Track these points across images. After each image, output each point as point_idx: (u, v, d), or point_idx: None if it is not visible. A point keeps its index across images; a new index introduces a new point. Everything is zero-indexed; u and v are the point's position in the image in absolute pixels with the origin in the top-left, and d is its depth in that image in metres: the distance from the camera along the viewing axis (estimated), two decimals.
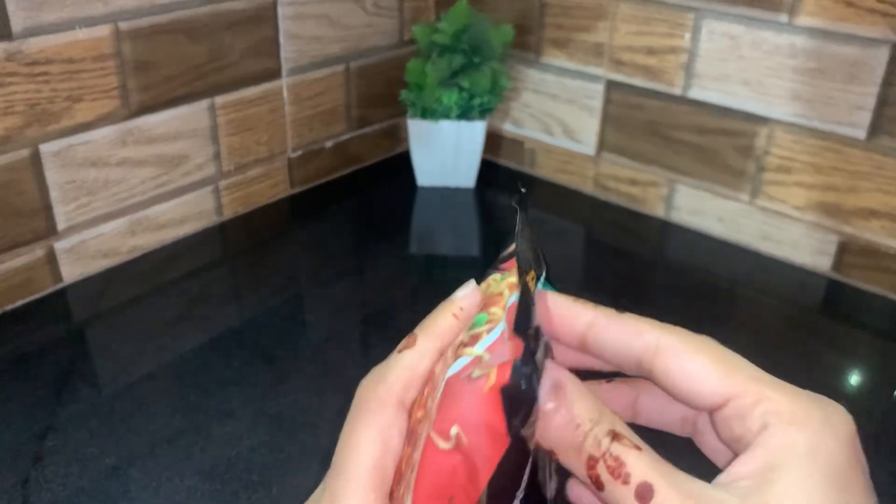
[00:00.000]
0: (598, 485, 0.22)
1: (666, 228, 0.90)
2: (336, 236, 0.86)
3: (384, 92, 0.97)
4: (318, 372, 0.64)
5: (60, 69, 0.67)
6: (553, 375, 0.23)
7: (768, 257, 0.84)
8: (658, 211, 0.91)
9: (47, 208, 0.70)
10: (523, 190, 0.29)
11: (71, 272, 0.73)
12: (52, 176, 0.69)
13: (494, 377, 0.22)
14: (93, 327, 0.70)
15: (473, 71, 0.87)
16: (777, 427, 0.22)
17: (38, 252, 0.70)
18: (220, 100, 0.80)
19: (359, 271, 0.80)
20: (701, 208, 0.87)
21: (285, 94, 0.86)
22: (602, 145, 0.93)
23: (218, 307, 0.74)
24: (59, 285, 0.73)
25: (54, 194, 0.70)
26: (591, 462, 0.22)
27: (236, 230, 0.85)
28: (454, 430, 0.22)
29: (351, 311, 0.73)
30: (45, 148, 0.68)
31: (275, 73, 0.84)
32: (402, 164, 0.98)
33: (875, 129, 0.73)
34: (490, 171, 0.99)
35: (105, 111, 0.71)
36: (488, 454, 0.22)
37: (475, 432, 0.22)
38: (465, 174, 0.94)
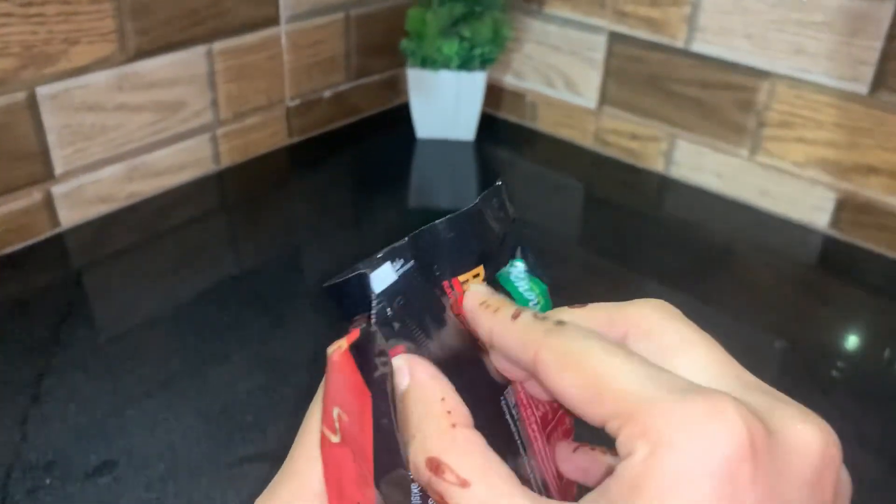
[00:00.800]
0: None
1: (665, 184, 0.89)
2: (334, 187, 0.86)
3: (384, 42, 0.96)
4: (315, 319, 0.65)
5: (56, 10, 0.66)
6: (402, 368, 0.21)
7: (766, 213, 0.84)
8: (657, 166, 0.90)
9: (44, 152, 0.70)
10: (499, 182, 0.27)
11: (69, 217, 0.74)
12: (49, 120, 0.69)
13: (346, 342, 0.21)
14: (91, 272, 0.71)
15: (475, 20, 0.86)
16: (638, 455, 0.17)
17: (35, 196, 0.70)
18: (218, 46, 0.79)
19: (356, 222, 0.80)
20: (700, 164, 0.87)
21: (284, 41, 0.85)
22: (603, 99, 0.92)
23: (216, 255, 0.74)
24: (57, 230, 0.73)
25: (51, 138, 0.70)
26: (426, 488, 0.19)
27: (234, 179, 0.85)
28: (335, 412, 0.21)
29: (348, 261, 0.73)
30: (42, 91, 0.67)
31: (273, 20, 0.83)
32: (401, 116, 0.97)
33: (878, 84, 0.72)
34: (490, 125, 0.98)
35: (102, 55, 0.70)
36: (360, 414, 0.20)
37: (343, 401, 0.21)
38: (464, 126, 0.94)
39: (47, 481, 0.50)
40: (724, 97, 0.83)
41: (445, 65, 0.88)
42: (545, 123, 0.98)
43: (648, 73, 0.87)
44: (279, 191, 0.85)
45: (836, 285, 0.75)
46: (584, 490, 0.19)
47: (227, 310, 0.66)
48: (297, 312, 0.66)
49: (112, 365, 0.60)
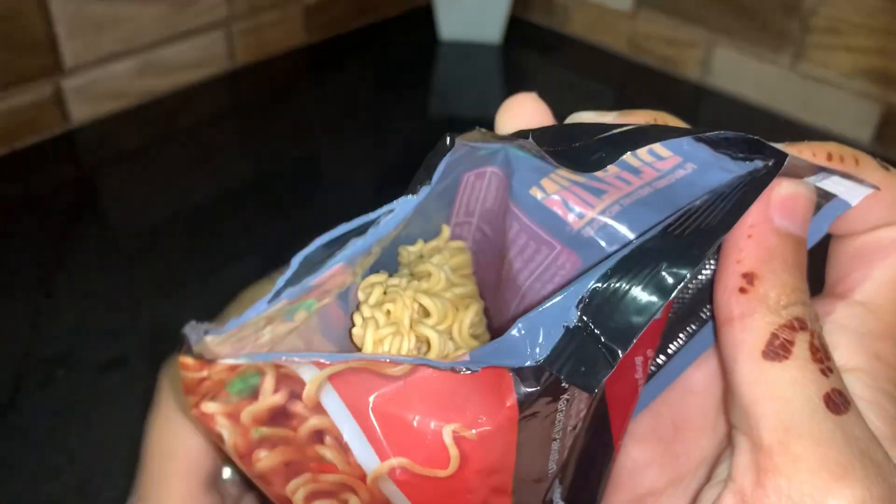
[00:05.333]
0: (784, 349, 0.16)
1: (701, 94, 0.85)
2: (353, 91, 0.83)
3: None
4: (330, 223, 0.63)
5: None
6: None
7: (806, 126, 0.79)
8: (694, 74, 0.86)
9: (53, 44, 0.67)
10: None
11: (80, 113, 0.71)
12: (58, 9, 0.66)
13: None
14: (103, 170, 0.69)
15: None
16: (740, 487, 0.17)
17: (45, 89, 0.68)
18: None
19: (375, 128, 0.77)
20: (739, 72, 0.82)
21: None
22: (639, 1, 0.87)
23: (230, 156, 0.72)
24: (68, 126, 0.71)
25: (60, 29, 0.67)
26: (797, 323, 0.17)
27: (249, 78, 0.82)
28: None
29: (366, 168, 0.71)
30: None
31: None
32: (423, 18, 0.93)
33: None
34: (518, 28, 0.93)
35: None
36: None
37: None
38: (491, 27, 0.90)
39: (59, 374, 0.50)
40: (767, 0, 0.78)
41: None
42: (577, 27, 0.93)
43: None
44: (295, 92, 0.82)
45: None
46: None
47: (241, 212, 0.64)
48: (311, 216, 0.64)
49: (125, 263, 0.59)
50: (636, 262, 0.16)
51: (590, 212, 0.20)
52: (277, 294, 0.17)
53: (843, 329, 0.18)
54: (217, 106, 0.78)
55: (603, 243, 0.21)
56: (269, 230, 0.62)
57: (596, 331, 0.16)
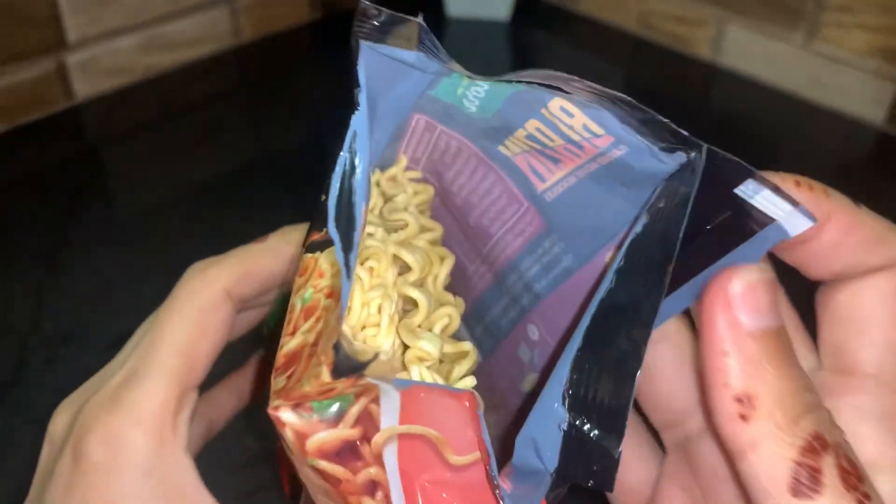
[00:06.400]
0: (813, 480, 0.14)
1: (712, 73, 0.84)
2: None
3: None
4: None
5: None
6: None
7: (818, 106, 0.78)
8: (705, 53, 0.85)
9: (56, 19, 0.66)
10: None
11: (84, 88, 0.71)
12: None
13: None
14: (108, 147, 0.68)
15: None
16: None
17: (48, 65, 0.68)
18: None
19: None
20: (750, 51, 0.81)
21: None
22: None
23: (236, 133, 0.71)
24: (72, 102, 0.70)
25: (64, 4, 0.66)
26: (817, 444, 0.15)
27: (255, 54, 0.81)
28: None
29: None
30: None
31: None
32: None
33: None
34: (526, 6, 0.92)
35: None
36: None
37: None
38: (499, 3, 0.88)
39: (63, 351, 0.49)
40: None
41: None
42: (586, 4, 0.92)
43: None
44: (302, 70, 0.81)
45: (888, 184, 0.70)
46: None
47: (246, 189, 0.64)
48: (318, 195, 0.63)
49: (130, 242, 0.58)
50: (599, 335, 0.16)
51: (550, 177, 0.21)
52: (347, 267, 0.17)
53: (865, 415, 0.16)
54: (222, 83, 0.77)
55: (562, 212, 0.21)
56: (274, 208, 0.62)
57: (590, 430, 0.15)
